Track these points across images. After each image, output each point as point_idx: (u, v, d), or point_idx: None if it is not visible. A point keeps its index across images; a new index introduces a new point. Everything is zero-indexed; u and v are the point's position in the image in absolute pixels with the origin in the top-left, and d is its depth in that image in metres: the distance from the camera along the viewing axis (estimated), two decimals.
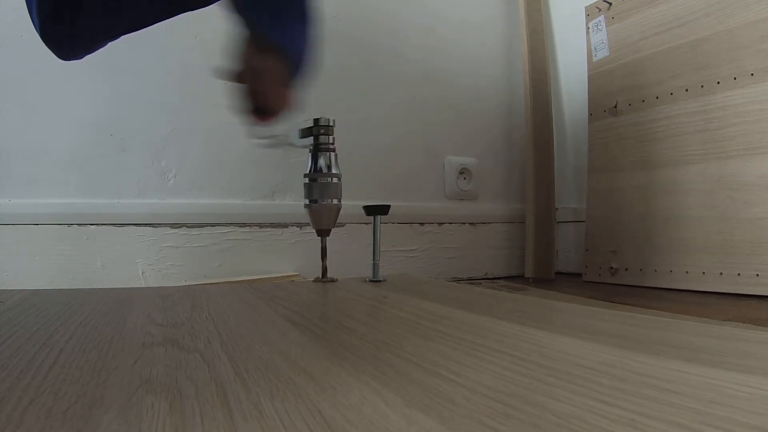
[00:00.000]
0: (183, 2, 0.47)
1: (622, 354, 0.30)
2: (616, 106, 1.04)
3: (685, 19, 0.91)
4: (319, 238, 0.70)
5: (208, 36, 0.95)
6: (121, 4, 0.43)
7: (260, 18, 0.55)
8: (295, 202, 0.99)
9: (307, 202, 0.68)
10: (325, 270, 0.71)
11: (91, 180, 0.87)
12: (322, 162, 0.66)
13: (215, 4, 0.49)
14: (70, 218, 0.85)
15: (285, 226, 0.99)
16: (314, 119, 0.66)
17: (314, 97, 1.02)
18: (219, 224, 0.94)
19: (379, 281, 0.71)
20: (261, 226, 0.97)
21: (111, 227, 0.87)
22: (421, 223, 1.12)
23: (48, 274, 0.83)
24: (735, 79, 0.84)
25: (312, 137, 0.67)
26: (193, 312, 0.45)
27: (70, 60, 0.47)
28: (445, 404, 0.22)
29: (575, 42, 1.15)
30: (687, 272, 0.89)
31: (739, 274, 0.82)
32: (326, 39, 1.05)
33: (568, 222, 1.21)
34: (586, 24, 1.10)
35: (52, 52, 0.44)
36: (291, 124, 0.69)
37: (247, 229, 0.96)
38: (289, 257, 0.99)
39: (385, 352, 0.32)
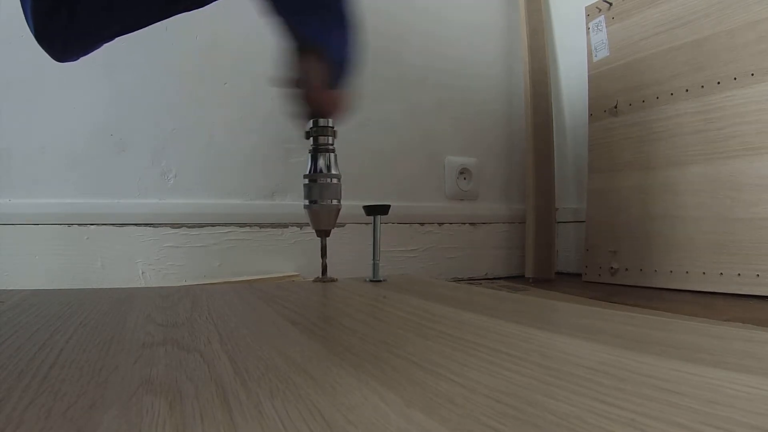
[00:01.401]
0: (179, 3, 0.47)
1: (622, 354, 0.30)
2: (616, 107, 1.04)
3: (686, 20, 0.91)
4: (319, 238, 0.70)
5: (208, 36, 0.95)
6: (117, 4, 0.43)
7: (303, 22, 0.58)
8: (295, 202, 0.99)
9: (307, 203, 0.67)
10: (324, 269, 0.71)
11: (91, 180, 0.87)
12: (321, 163, 0.66)
13: (211, 4, 0.49)
14: (70, 218, 0.85)
15: (285, 226, 0.99)
16: (313, 120, 0.66)
17: None
18: (219, 224, 0.94)
19: (379, 281, 0.71)
20: (261, 226, 0.97)
21: (111, 227, 0.87)
22: (421, 223, 1.12)
23: (48, 274, 0.83)
24: (735, 79, 0.84)
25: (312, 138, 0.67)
26: (193, 312, 0.45)
27: (64, 61, 0.46)
28: (445, 404, 0.22)
29: (575, 42, 1.15)
30: (687, 272, 0.89)
31: (739, 274, 0.82)
32: None
33: (568, 222, 1.21)
34: (587, 24, 1.10)
35: (47, 52, 0.44)
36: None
37: (247, 229, 0.96)
38: (289, 257, 0.99)
39: (385, 352, 0.32)
